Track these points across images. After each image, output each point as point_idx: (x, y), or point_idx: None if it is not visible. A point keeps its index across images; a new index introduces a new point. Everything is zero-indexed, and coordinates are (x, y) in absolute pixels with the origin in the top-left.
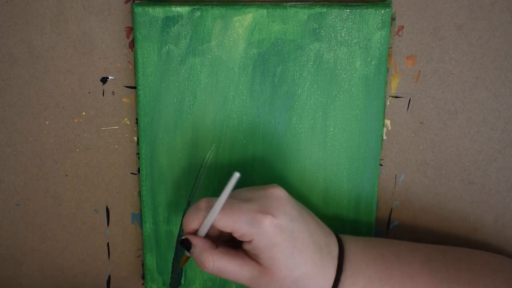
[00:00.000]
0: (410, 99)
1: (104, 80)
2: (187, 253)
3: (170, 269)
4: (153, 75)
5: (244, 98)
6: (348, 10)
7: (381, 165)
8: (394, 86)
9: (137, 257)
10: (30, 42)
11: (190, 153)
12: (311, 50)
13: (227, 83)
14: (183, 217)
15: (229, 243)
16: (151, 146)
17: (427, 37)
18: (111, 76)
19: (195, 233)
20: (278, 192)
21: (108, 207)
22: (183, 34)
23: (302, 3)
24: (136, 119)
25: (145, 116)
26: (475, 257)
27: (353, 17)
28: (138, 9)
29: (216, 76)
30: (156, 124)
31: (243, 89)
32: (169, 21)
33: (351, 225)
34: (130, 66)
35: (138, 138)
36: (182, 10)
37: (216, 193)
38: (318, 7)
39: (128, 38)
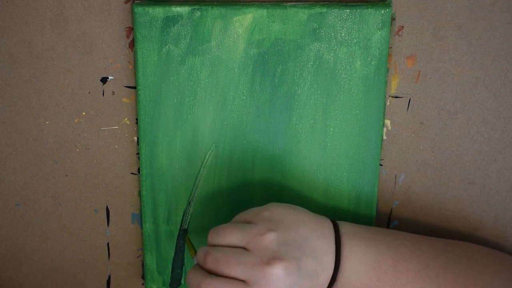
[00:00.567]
0: (410, 99)
1: (104, 80)
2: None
3: (170, 269)
4: (153, 75)
5: (244, 98)
6: (348, 10)
7: (381, 165)
8: (394, 86)
9: (137, 257)
10: (30, 42)
11: (190, 153)
12: (311, 50)
13: (227, 83)
14: (183, 217)
15: None
16: (151, 146)
17: (427, 37)
18: (111, 76)
19: None
20: (267, 214)
21: (108, 207)
22: (183, 34)
23: (302, 3)
24: (136, 119)
25: (145, 116)
26: (476, 257)
27: (353, 17)
28: (138, 9)
29: (216, 76)
30: (156, 124)
31: (243, 89)
32: (169, 21)
33: None
34: (130, 66)
35: (138, 138)
36: (182, 10)
37: (217, 193)
38: (318, 7)
39: (128, 38)
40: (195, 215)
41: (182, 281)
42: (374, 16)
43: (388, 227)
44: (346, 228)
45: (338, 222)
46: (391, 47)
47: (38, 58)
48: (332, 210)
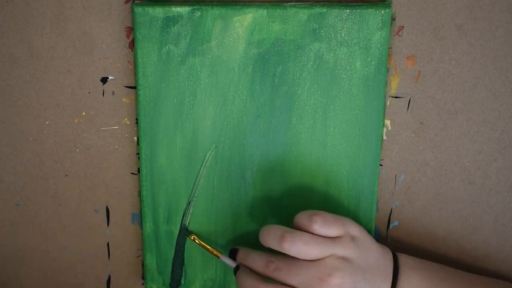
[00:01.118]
0: (410, 99)
1: (104, 80)
2: (229, 262)
3: (170, 269)
4: (153, 75)
5: (244, 98)
6: (348, 10)
7: (381, 165)
8: (394, 86)
9: (137, 257)
10: (30, 42)
11: (190, 153)
12: (311, 50)
13: (227, 83)
14: (183, 216)
15: None
16: (151, 146)
17: (427, 37)
18: (111, 76)
19: None
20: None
21: (108, 207)
22: (183, 34)
23: (302, 3)
24: (136, 119)
25: (145, 116)
26: None
27: (353, 17)
28: (138, 9)
29: (216, 76)
30: (156, 124)
31: (243, 89)
32: (169, 21)
33: None
34: (130, 66)
35: (138, 138)
36: (182, 10)
37: (216, 193)
38: (318, 7)
39: (128, 38)
40: (195, 215)
41: (182, 281)
42: (374, 16)
43: (388, 227)
44: (404, 259)
45: (397, 254)
46: (391, 47)
47: (38, 58)
48: (332, 210)
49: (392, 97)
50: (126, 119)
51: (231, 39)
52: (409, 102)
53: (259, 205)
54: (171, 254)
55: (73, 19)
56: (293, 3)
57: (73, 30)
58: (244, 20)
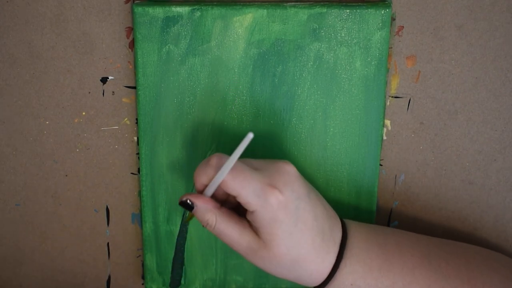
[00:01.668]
0: (410, 99)
1: (104, 80)
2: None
3: (170, 269)
4: (153, 75)
5: (244, 98)
6: (348, 10)
7: (381, 165)
8: (394, 86)
9: (137, 257)
10: (30, 42)
11: (190, 153)
12: (311, 50)
13: (227, 83)
14: (183, 216)
15: (234, 210)
16: (151, 146)
17: (427, 37)
18: (111, 76)
19: (203, 189)
20: (289, 168)
21: (108, 207)
22: (183, 34)
23: (302, 3)
24: (136, 119)
25: (145, 116)
26: (474, 254)
27: (353, 17)
28: (138, 9)
29: (216, 76)
30: (156, 124)
31: (243, 89)
32: (169, 21)
33: None
34: (130, 66)
35: (138, 138)
36: (182, 10)
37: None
38: (318, 7)
39: (128, 38)
40: None
41: (182, 281)
42: (374, 16)
43: (388, 226)
44: (350, 222)
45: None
46: (391, 47)
47: (38, 58)
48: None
49: (392, 97)
50: (126, 119)
51: (231, 39)
52: (409, 102)
53: None
54: (171, 254)
55: (73, 19)
56: (293, 3)
57: (73, 30)
58: (244, 20)
